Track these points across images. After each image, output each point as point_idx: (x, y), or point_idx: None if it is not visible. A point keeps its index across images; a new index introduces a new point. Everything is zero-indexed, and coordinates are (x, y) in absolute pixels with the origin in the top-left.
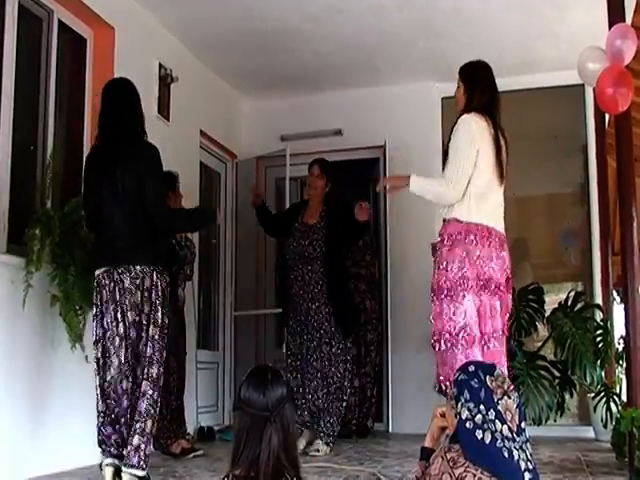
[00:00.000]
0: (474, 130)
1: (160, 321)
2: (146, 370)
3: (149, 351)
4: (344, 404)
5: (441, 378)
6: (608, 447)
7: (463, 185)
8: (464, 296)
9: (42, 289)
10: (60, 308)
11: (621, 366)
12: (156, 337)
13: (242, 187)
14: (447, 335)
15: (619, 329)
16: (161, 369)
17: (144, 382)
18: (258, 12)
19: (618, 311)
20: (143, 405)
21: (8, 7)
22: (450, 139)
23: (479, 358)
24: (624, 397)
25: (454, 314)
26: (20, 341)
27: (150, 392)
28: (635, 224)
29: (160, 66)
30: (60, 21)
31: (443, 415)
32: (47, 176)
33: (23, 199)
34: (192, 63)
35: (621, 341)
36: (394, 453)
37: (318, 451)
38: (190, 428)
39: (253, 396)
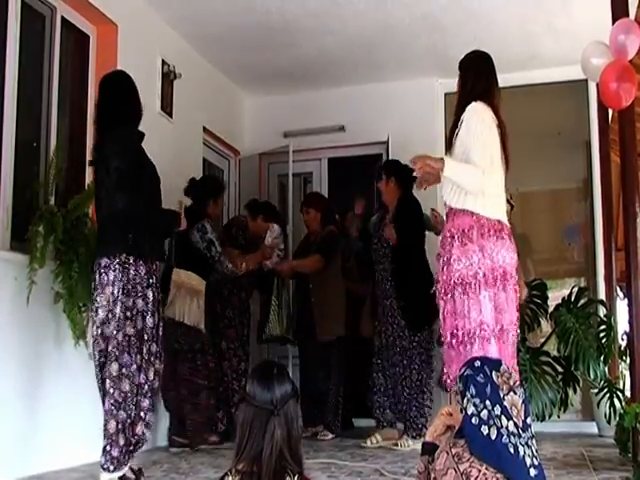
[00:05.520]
0: (486, 119)
1: (118, 317)
2: (107, 368)
3: (110, 348)
4: (426, 396)
5: (449, 376)
6: (611, 443)
7: (489, 174)
8: (479, 292)
9: (46, 286)
10: (64, 305)
11: (624, 362)
12: (114, 333)
13: (245, 183)
14: (461, 333)
15: (622, 325)
16: (125, 368)
17: (106, 380)
18: (260, 8)
19: (621, 307)
20: (106, 404)
21: (11, 4)
22: (457, 127)
23: (496, 354)
24: (627, 393)
25: (469, 311)
26: (24, 338)
27: (111, 391)
28: (639, 219)
29: (163, 63)
30: (63, 18)
31: (450, 415)
32: (50, 173)
33: (26, 196)
34: (195, 60)
35: (624, 337)
36: (397, 449)
37: (399, 445)
38: None
39: (258, 390)
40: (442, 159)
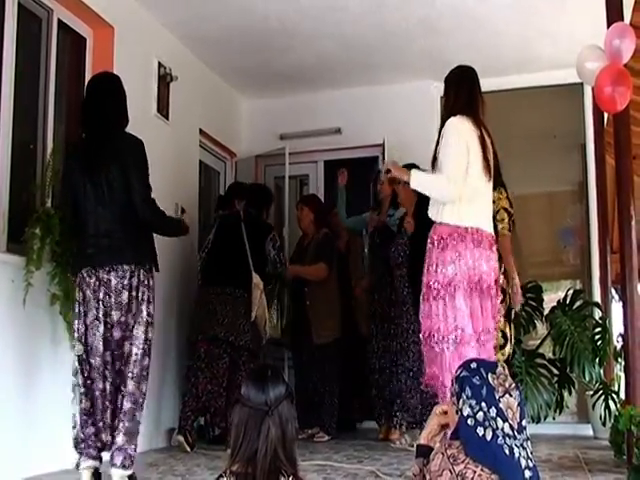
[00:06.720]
0: (462, 131)
1: (145, 320)
2: (130, 369)
3: (135, 350)
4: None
5: (426, 377)
6: (606, 445)
7: (461, 183)
8: (456, 298)
9: (42, 288)
10: (60, 307)
11: (619, 364)
12: (141, 336)
13: None
14: (436, 335)
15: (617, 327)
16: (146, 369)
17: (129, 381)
18: (257, 11)
19: (616, 309)
20: (127, 404)
21: (8, 6)
22: (438, 142)
23: (473, 356)
24: (622, 395)
25: (446, 315)
26: (20, 339)
27: (133, 391)
28: (633, 222)
29: (159, 65)
30: (60, 20)
31: (445, 413)
32: (47, 175)
33: (23, 198)
34: (191, 62)
35: (619, 339)
36: (393, 451)
37: (398, 443)
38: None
39: (252, 392)
40: (410, 172)
